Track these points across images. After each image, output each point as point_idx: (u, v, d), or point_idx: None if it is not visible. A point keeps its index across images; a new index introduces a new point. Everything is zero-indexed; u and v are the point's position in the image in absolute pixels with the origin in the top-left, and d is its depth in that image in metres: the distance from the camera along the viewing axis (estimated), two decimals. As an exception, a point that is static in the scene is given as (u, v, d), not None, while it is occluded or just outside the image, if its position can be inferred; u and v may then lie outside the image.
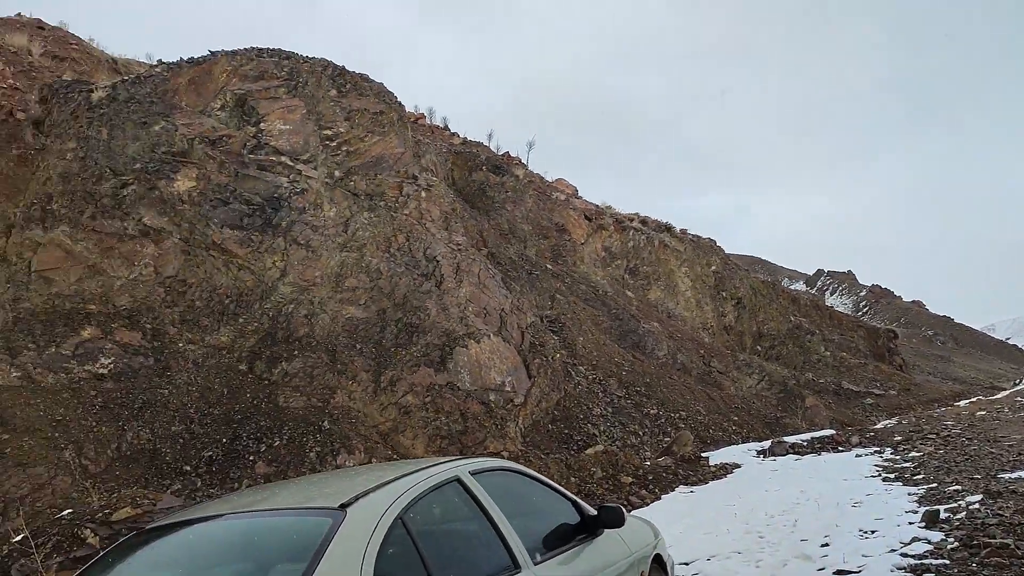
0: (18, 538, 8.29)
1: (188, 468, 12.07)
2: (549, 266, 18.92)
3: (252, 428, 12.55)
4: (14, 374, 13.25)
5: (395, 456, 12.23)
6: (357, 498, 3.23)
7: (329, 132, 16.44)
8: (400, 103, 18.19)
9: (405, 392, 13.32)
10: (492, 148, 22.93)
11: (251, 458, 11.88)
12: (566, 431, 15.38)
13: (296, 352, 13.83)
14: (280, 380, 13.38)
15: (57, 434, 12.45)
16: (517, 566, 3.80)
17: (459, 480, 3.89)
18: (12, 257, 14.71)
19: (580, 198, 28.46)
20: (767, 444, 15.77)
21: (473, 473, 4.01)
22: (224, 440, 12.46)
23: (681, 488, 12.43)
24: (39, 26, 21.46)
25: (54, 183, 15.70)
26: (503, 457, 11.18)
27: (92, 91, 16.98)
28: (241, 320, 14.53)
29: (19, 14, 22.34)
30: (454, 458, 4.29)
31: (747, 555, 7.52)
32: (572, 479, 11.79)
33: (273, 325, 14.27)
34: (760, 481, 12.20)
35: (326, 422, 12.64)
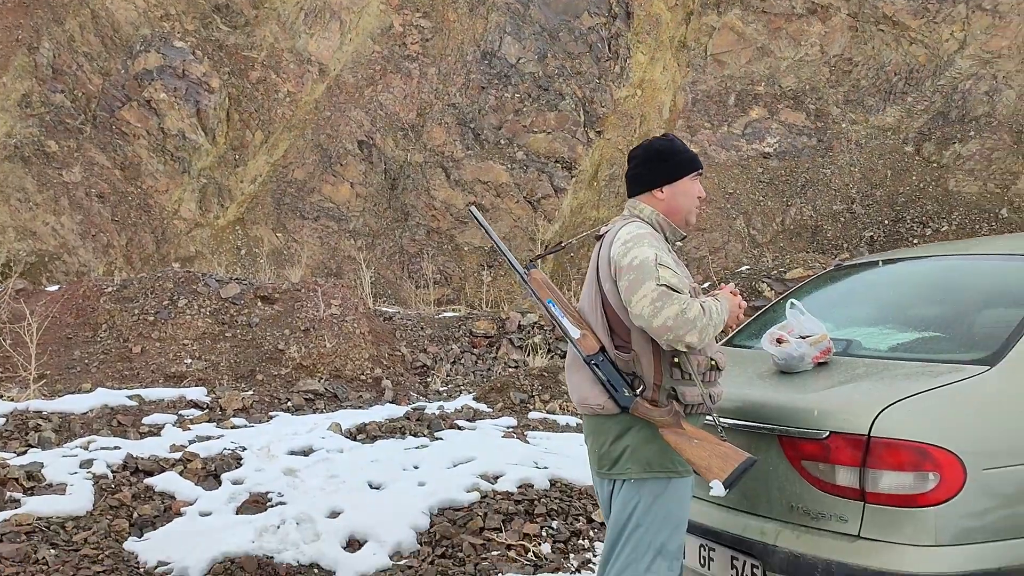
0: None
1: (848, 246, 12.54)
2: None
3: (917, 211, 12.34)
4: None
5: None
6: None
7: None
8: None
9: (1111, 181, 11.49)
10: None
11: (915, 241, 11.78)
12: None
13: (972, 133, 12.86)
14: (951, 163, 12.70)
15: (729, 205, 14.04)
16: None
17: None
18: (691, 43, 16.29)
19: None
20: None
21: None
22: (886, 222, 12.53)
23: None
24: None
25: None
26: None
27: None
28: (910, 99, 13.96)
29: None
30: None
31: None
32: None
33: (946, 104, 13.40)
34: None
35: (1004, 210, 11.73)
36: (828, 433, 2.58)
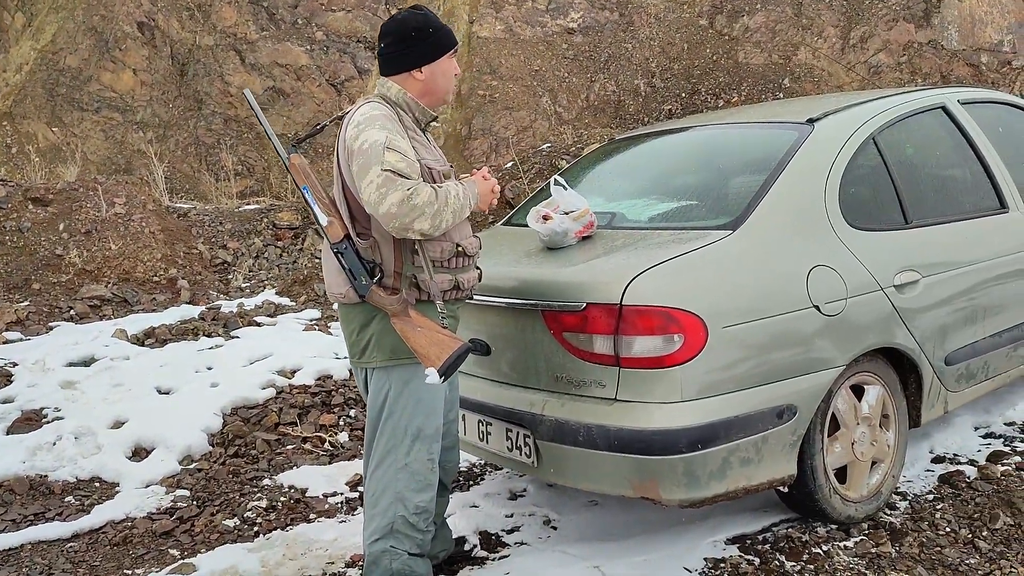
0: (508, 165, 10.00)
1: (649, 120, 12.92)
2: None
3: (711, 84, 12.81)
4: (498, 27, 14.86)
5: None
6: (827, 114, 3.25)
7: None
8: None
9: (877, 50, 12.33)
10: None
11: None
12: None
13: (759, 6, 13.36)
14: (741, 36, 13.20)
15: (535, 83, 14.03)
16: (1004, 206, 3.62)
17: (944, 108, 3.68)
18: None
19: None
20: None
21: (963, 103, 3.75)
22: (683, 95, 12.96)
23: None
24: None
25: None
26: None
27: None
28: (703, -28, 14.25)
29: None
30: (940, 86, 4.02)
31: None
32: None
33: (736, -24, 13.79)
34: None
35: (787, 80, 12.39)
36: (585, 304, 2.66)
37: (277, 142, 2.56)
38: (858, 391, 3.02)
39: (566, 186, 3.09)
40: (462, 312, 2.99)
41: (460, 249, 2.49)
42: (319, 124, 2.79)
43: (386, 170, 2.26)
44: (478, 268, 2.66)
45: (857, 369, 2.96)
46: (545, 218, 3.02)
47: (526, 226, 3.41)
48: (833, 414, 2.92)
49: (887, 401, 3.09)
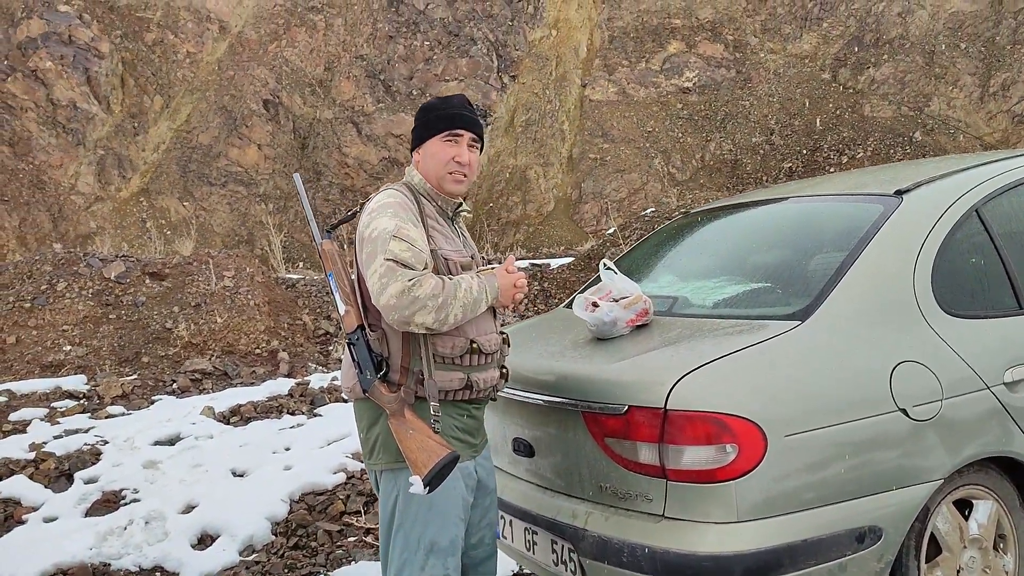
0: (610, 231, 9.78)
1: (767, 179, 12.44)
2: None
3: (834, 139, 12.23)
4: (611, 90, 14.79)
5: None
6: (919, 184, 2.87)
7: None
8: None
9: (1022, 98, 11.43)
10: None
11: (832, 170, 11.70)
12: None
13: (886, 57, 12.73)
14: (867, 88, 12.59)
15: (648, 144, 13.81)
16: None
17: (1068, 170, 3.20)
18: (606, -23, 15.82)
19: None
20: None
21: (1091, 162, 3.26)
22: (804, 152, 12.42)
23: None
24: None
25: None
26: None
27: None
28: (825, 25, 13.77)
29: None
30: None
31: None
32: None
33: (861, 28, 13.23)
34: None
35: (918, 133, 11.65)
36: (627, 407, 2.39)
37: (315, 226, 2.47)
38: (964, 507, 2.58)
39: (616, 270, 2.85)
40: (505, 407, 2.78)
41: (475, 346, 2.29)
42: (351, 210, 2.68)
43: (388, 259, 2.13)
44: (503, 368, 2.44)
45: (961, 482, 2.53)
46: (594, 305, 2.78)
47: (587, 310, 3.17)
48: (933, 535, 2.50)
49: (1003, 519, 2.63)
